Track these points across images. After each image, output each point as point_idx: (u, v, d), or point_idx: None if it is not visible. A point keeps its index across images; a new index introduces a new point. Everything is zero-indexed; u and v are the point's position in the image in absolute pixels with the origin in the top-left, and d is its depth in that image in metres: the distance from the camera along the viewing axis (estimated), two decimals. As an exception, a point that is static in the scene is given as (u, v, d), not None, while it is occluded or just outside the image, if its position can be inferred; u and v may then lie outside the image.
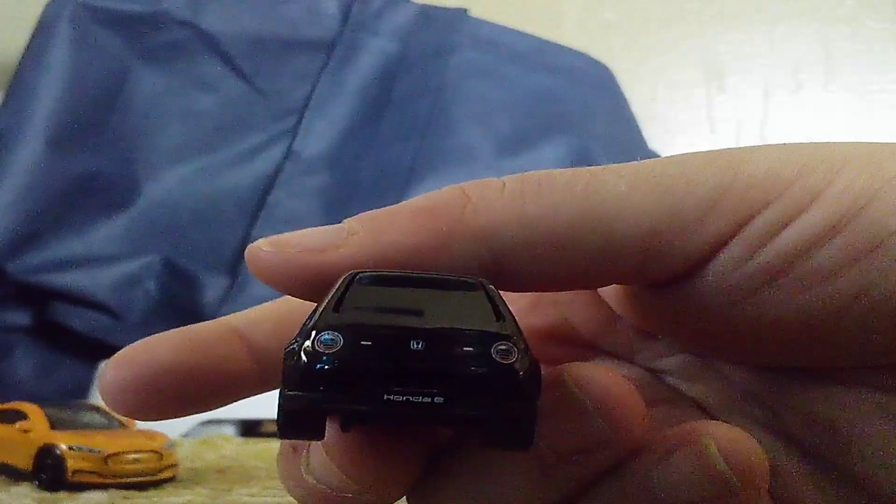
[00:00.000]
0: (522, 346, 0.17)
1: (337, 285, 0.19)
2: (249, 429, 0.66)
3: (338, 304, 0.18)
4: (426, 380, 0.17)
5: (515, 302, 0.26)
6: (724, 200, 0.20)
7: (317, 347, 0.17)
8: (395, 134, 0.84)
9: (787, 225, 0.20)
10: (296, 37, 0.86)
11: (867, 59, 1.16)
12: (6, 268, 0.71)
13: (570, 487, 0.20)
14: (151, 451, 0.41)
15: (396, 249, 0.20)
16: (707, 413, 0.25)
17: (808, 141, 0.22)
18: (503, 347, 0.17)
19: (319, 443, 0.20)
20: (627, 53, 1.13)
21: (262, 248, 0.21)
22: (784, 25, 1.17)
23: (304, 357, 0.17)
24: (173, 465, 0.42)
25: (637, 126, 0.97)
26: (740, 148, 0.22)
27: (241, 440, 0.61)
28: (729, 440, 0.20)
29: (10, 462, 0.41)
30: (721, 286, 0.21)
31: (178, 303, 0.76)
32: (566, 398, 0.20)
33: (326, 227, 0.21)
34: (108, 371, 0.22)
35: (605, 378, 0.20)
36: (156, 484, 0.40)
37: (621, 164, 0.21)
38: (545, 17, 1.13)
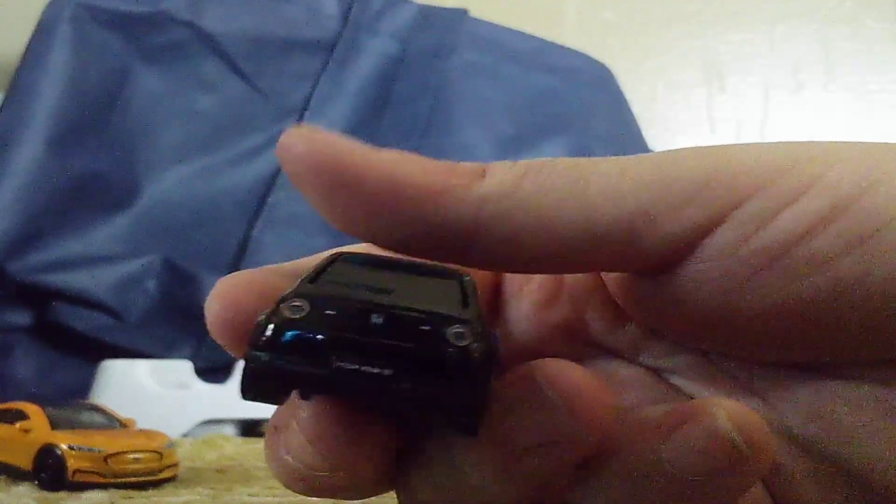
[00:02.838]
0: (479, 332, 0.18)
1: (320, 262, 0.20)
2: (250, 429, 0.66)
3: (314, 278, 0.19)
4: (379, 353, 0.17)
5: (534, 295, 0.26)
6: (713, 184, 0.21)
7: (284, 312, 0.18)
8: (395, 134, 0.84)
9: (781, 211, 0.20)
10: (296, 37, 0.86)
11: (867, 59, 1.16)
12: (7, 268, 0.71)
13: (541, 480, 0.20)
14: (152, 450, 0.41)
15: (406, 179, 0.21)
16: None
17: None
18: (458, 331, 0.18)
19: (296, 422, 0.20)
20: (627, 53, 1.13)
21: (297, 137, 0.21)
22: (784, 25, 1.17)
23: (270, 320, 0.18)
24: (174, 465, 0.42)
25: (637, 126, 0.97)
26: (734, 144, 0.22)
27: (241, 440, 0.61)
28: (736, 412, 0.20)
29: (10, 462, 0.41)
30: (715, 272, 0.21)
31: (179, 303, 0.76)
32: (533, 392, 0.20)
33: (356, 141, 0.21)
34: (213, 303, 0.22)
35: (571, 373, 0.20)
36: (156, 483, 0.40)
37: (622, 157, 0.22)
38: (545, 18, 1.13)
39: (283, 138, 0.21)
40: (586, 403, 0.20)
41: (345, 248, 0.22)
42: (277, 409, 0.21)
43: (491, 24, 0.94)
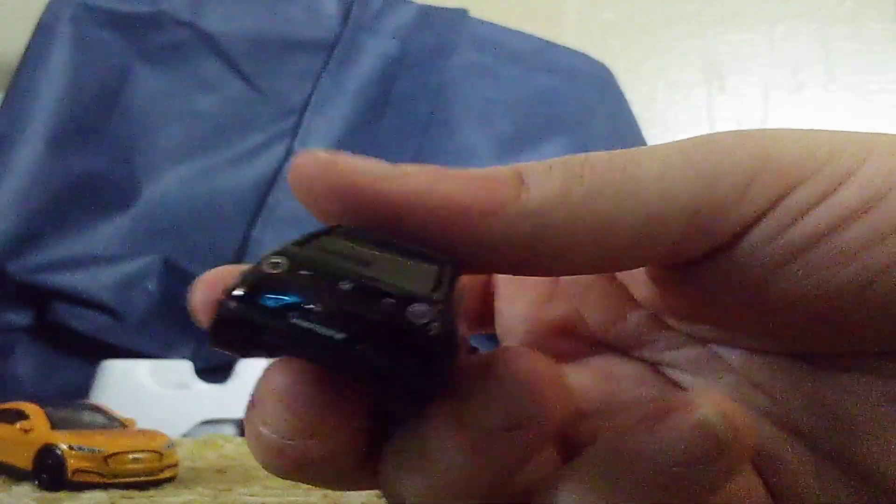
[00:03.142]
0: (439, 315, 0.18)
1: (315, 230, 0.20)
2: (250, 429, 0.66)
3: (303, 242, 0.19)
4: (337, 317, 0.18)
5: (529, 293, 0.26)
6: (759, 180, 0.21)
7: (262, 266, 0.18)
8: (395, 134, 0.84)
9: (818, 203, 0.21)
10: (296, 37, 0.86)
11: (867, 59, 1.16)
12: (7, 268, 0.71)
13: (510, 466, 0.21)
14: (152, 450, 0.41)
15: (448, 201, 0.20)
16: None
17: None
18: (419, 309, 0.18)
19: (271, 389, 0.20)
20: (627, 53, 1.13)
21: (310, 160, 0.20)
22: (784, 25, 1.17)
23: (248, 271, 0.18)
24: (174, 465, 0.42)
25: (637, 126, 0.97)
26: (769, 129, 0.22)
27: (241, 440, 0.61)
28: (721, 404, 0.20)
29: (10, 462, 0.41)
30: (750, 262, 0.21)
31: (179, 303, 0.76)
32: (495, 377, 0.20)
33: (376, 160, 0.21)
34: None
35: (530, 359, 0.20)
36: (156, 483, 0.40)
37: (653, 146, 0.22)
38: (545, 18, 1.13)
39: (294, 166, 0.21)
40: (543, 388, 0.20)
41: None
42: (257, 384, 0.21)
43: (491, 24, 0.94)
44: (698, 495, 0.20)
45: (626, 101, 0.97)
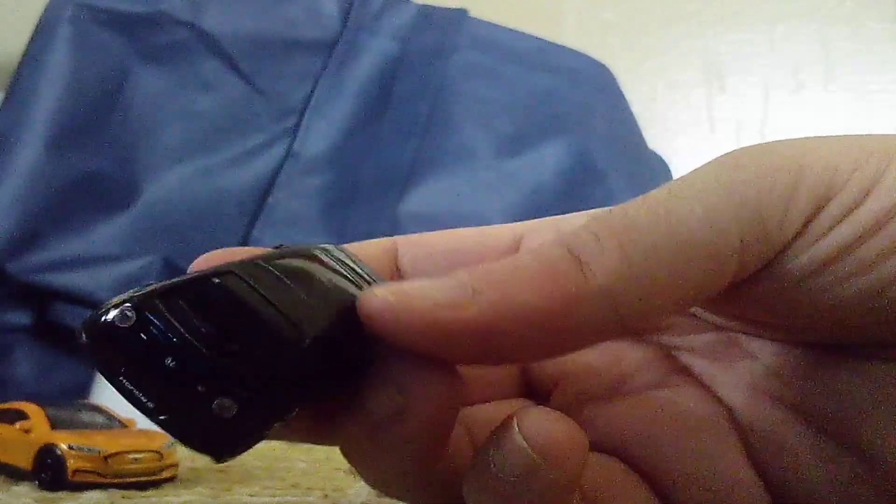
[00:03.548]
0: (265, 408, 0.20)
1: (196, 272, 0.21)
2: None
3: (168, 290, 0.21)
4: (153, 387, 0.20)
5: None
6: (796, 200, 0.22)
7: (114, 315, 0.20)
8: (395, 134, 0.84)
9: (843, 218, 0.22)
10: (296, 37, 0.86)
11: (867, 60, 1.16)
12: (6, 268, 0.71)
13: (407, 451, 0.22)
14: (152, 450, 0.41)
15: (528, 313, 0.20)
16: (711, 391, 0.26)
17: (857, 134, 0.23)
18: (226, 403, 0.19)
19: None
20: (627, 53, 1.13)
21: (382, 296, 0.21)
22: (784, 25, 1.17)
23: (98, 313, 0.20)
24: (174, 465, 0.42)
25: (637, 126, 0.97)
26: (796, 140, 0.23)
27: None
28: (535, 422, 0.21)
29: (10, 462, 0.41)
30: (780, 276, 0.22)
31: (179, 303, 0.76)
32: (383, 374, 0.22)
33: (440, 281, 0.21)
34: None
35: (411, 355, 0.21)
36: (156, 483, 0.41)
37: (684, 179, 0.22)
38: (545, 18, 1.13)
39: (363, 307, 0.21)
40: (420, 379, 0.21)
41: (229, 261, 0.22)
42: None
43: (491, 24, 0.94)
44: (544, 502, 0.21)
45: (626, 101, 0.97)
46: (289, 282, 0.21)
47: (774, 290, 0.22)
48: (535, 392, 0.28)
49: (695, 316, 0.26)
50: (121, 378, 0.19)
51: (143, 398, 0.19)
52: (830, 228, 0.22)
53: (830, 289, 0.22)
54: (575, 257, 0.21)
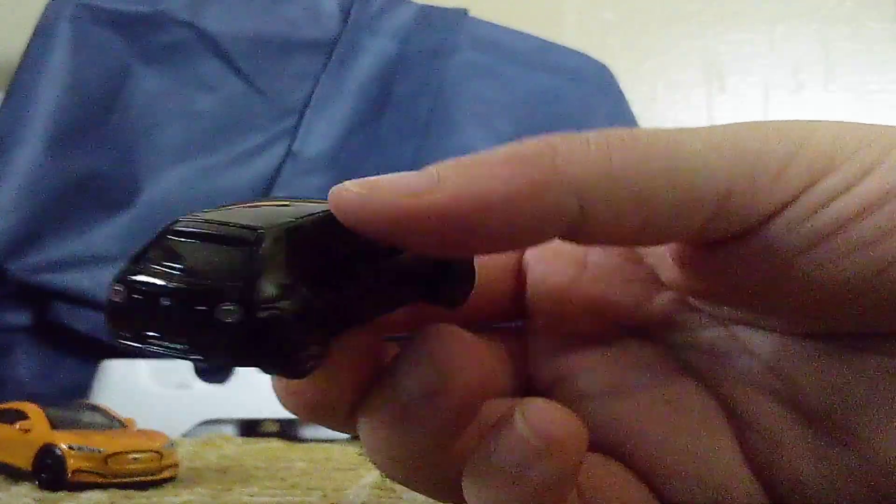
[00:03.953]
0: (255, 301, 0.20)
1: (150, 239, 0.23)
2: (249, 429, 0.66)
3: (139, 256, 0.22)
4: (172, 331, 0.20)
5: (558, 276, 0.27)
6: (793, 166, 0.22)
7: (110, 295, 0.21)
8: (395, 134, 0.84)
9: (844, 192, 0.22)
10: (296, 37, 0.86)
11: (867, 60, 1.16)
12: (7, 268, 0.71)
13: (432, 433, 0.22)
14: (152, 450, 0.41)
15: (490, 196, 0.21)
16: (710, 388, 0.26)
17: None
18: (227, 308, 0.20)
19: None
20: (627, 53, 1.13)
21: (351, 188, 0.21)
22: (784, 25, 1.17)
23: (108, 299, 0.21)
24: (174, 465, 0.42)
25: (637, 126, 0.97)
26: (805, 120, 0.23)
27: (241, 440, 0.61)
28: (538, 411, 0.22)
29: (10, 462, 0.41)
30: (777, 245, 0.22)
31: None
32: (416, 352, 0.22)
33: (410, 172, 0.21)
34: None
35: (450, 335, 0.22)
36: (156, 483, 0.41)
37: (693, 128, 0.23)
38: (545, 18, 1.14)
39: (333, 200, 0.21)
40: (456, 360, 0.22)
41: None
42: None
43: (491, 24, 0.94)
44: (543, 495, 0.22)
45: (626, 100, 0.97)
46: (236, 211, 0.23)
47: (770, 259, 0.22)
48: (535, 391, 0.28)
49: (695, 310, 0.26)
50: (149, 342, 0.21)
51: (174, 346, 0.20)
52: (829, 201, 0.22)
53: (827, 264, 0.22)
54: (552, 148, 0.21)
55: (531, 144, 0.22)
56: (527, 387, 0.29)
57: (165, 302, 0.20)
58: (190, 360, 0.22)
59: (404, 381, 0.22)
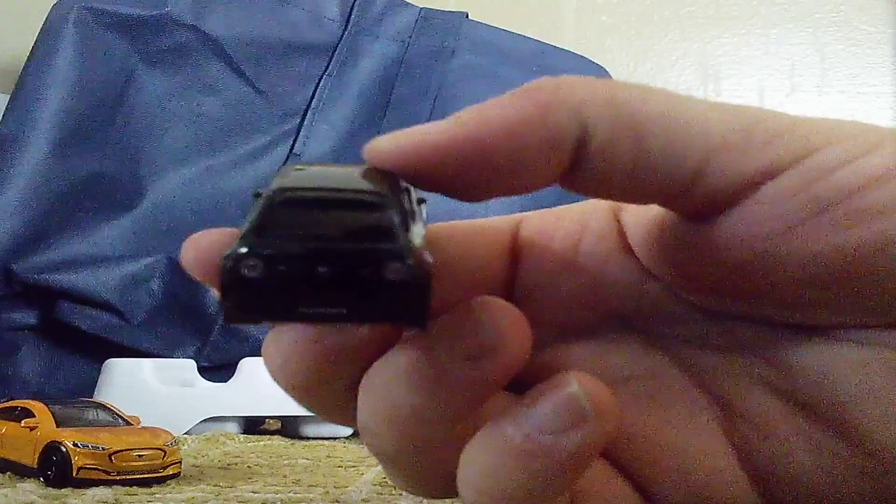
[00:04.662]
0: (411, 261, 0.20)
1: (261, 205, 0.21)
2: (252, 426, 0.67)
3: (260, 227, 0.21)
4: (331, 298, 0.20)
5: (552, 263, 0.27)
6: (790, 134, 0.22)
7: (242, 272, 0.20)
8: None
9: (844, 165, 0.22)
10: (298, 41, 0.87)
11: (861, 62, 1.16)
12: (13, 268, 0.71)
13: (465, 397, 0.22)
14: (156, 448, 0.41)
15: (500, 124, 0.22)
16: (701, 382, 0.26)
17: None
18: (395, 266, 0.20)
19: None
20: (624, 56, 1.13)
21: (381, 141, 0.23)
22: (779, 29, 1.17)
23: (232, 278, 0.20)
24: (177, 462, 0.42)
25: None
26: (801, 116, 0.24)
27: (244, 437, 0.61)
28: (587, 381, 0.22)
29: (16, 459, 0.41)
30: (769, 213, 0.22)
31: (183, 302, 0.76)
32: (464, 316, 0.22)
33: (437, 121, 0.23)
34: None
35: (500, 303, 0.22)
36: (160, 480, 0.41)
37: (702, 100, 0.23)
38: (543, 21, 1.14)
39: (370, 143, 0.23)
40: (506, 325, 0.22)
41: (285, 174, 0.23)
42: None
43: (490, 26, 0.94)
44: (566, 469, 0.22)
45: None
46: (319, 175, 0.23)
47: (764, 228, 0.22)
48: (528, 379, 0.28)
49: (684, 301, 0.26)
50: (298, 313, 0.20)
51: (331, 311, 0.20)
52: (830, 171, 0.22)
53: (826, 236, 0.22)
54: (557, 80, 0.22)
55: (539, 80, 0.23)
56: (521, 381, 0.29)
57: (323, 269, 0.20)
58: (343, 323, 0.21)
59: (451, 343, 0.22)
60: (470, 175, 0.22)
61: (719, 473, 0.25)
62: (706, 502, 0.25)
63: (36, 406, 0.43)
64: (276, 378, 0.25)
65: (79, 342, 0.74)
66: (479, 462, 0.23)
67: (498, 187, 0.23)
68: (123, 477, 0.40)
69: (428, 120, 0.85)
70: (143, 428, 0.44)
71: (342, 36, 0.88)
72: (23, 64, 0.78)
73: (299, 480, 0.42)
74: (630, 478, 0.26)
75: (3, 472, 0.42)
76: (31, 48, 0.78)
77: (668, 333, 0.27)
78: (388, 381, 0.23)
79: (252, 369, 0.65)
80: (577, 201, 0.27)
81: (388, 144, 0.22)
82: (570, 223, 0.27)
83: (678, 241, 0.24)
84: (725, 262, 0.23)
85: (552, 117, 0.22)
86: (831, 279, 0.22)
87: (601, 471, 0.26)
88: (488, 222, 0.28)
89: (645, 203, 0.25)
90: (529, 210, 0.29)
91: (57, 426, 0.41)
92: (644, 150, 0.22)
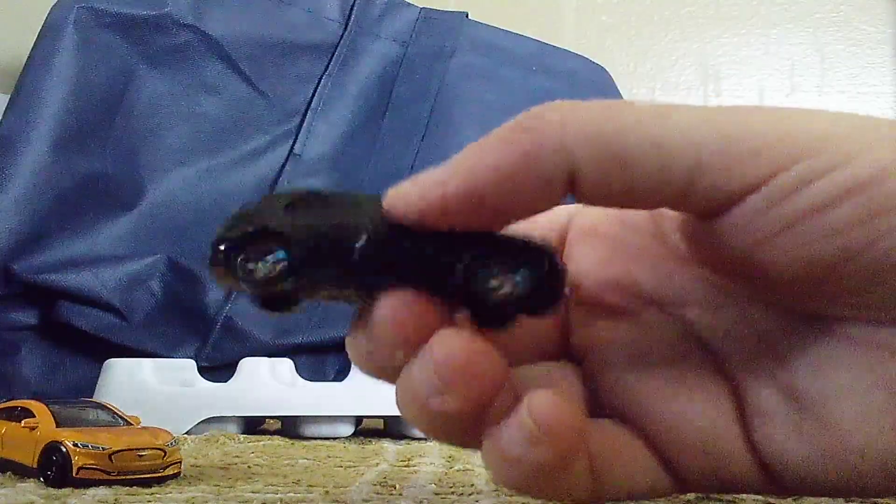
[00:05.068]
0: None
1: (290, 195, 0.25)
2: (252, 426, 0.67)
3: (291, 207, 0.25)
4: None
5: (593, 255, 0.30)
6: (769, 150, 0.23)
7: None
8: (395, 136, 0.85)
9: (812, 182, 0.22)
10: (298, 40, 0.87)
11: (860, 62, 1.16)
12: (13, 268, 0.71)
13: (442, 423, 0.26)
14: (156, 448, 0.41)
15: (491, 177, 0.24)
16: (720, 366, 0.28)
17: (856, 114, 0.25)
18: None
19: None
20: (625, 56, 1.13)
21: (401, 186, 0.25)
22: (779, 29, 1.17)
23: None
24: (177, 462, 0.42)
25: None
26: (799, 108, 0.25)
27: (244, 437, 0.61)
28: (539, 404, 0.24)
29: (16, 459, 0.41)
30: (749, 225, 0.23)
31: (182, 302, 0.76)
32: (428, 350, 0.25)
33: (440, 167, 0.24)
34: None
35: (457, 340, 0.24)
36: (160, 480, 0.41)
37: (688, 105, 0.24)
38: (543, 21, 1.14)
39: (389, 198, 0.25)
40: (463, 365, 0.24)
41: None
42: (354, 312, 0.26)
43: (490, 27, 0.94)
44: (542, 473, 0.24)
45: (624, 102, 0.98)
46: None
47: (744, 238, 0.23)
48: (572, 357, 0.30)
49: (714, 287, 0.28)
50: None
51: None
52: (802, 186, 0.22)
53: (797, 249, 0.23)
54: (540, 119, 0.24)
55: (525, 117, 0.24)
56: (567, 352, 0.31)
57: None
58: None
59: (421, 373, 0.25)
60: (473, 217, 0.24)
61: (732, 455, 0.27)
62: (720, 481, 0.27)
63: (36, 406, 0.43)
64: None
65: (79, 342, 0.74)
66: (486, 452, 0.25)
67: (502, 222, 0.25)
68: (123, 477, 0.40)
69: (428, 120, 0.85)
70: (143, 428, 0.44)
71: (342, 36, 0.88)
72: (23, 64, 0.78)
73: (299, 480, 0.42)
74: (654, 450, 0.28)
75: (3, 472, 0.42)
76: (31, 48, 0.78)
77: (695, 318, 0.28)
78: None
79: (252, 369, 0.65)
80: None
81: (398, 195, 0.24)
82: (614, 214, 0.30)
83: (694, 232, 0.26)
84: (729, 255, 0.25)
85: (540, 164, 0.23)
86: (811, 279, 0.23)
87: (628, 440, 0.28)
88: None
89: (644, 209, 0.27)
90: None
91: (57, 426, 0.41)
92: (631, 178, 0.23)
